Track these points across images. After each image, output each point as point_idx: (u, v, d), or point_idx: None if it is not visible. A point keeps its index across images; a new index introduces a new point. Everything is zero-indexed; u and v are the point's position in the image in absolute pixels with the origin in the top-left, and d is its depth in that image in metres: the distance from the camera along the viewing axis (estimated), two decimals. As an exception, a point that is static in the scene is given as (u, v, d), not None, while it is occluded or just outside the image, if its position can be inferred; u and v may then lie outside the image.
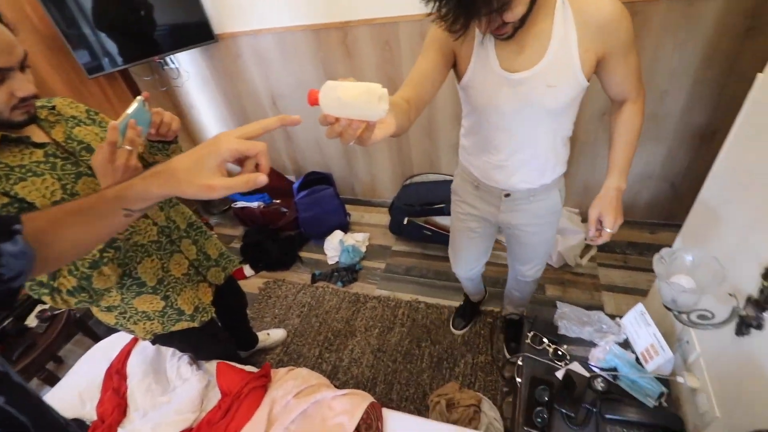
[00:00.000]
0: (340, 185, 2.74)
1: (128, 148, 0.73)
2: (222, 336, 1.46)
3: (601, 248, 2.12)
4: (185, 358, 1.48)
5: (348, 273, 2.27)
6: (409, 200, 2.28)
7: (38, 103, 0.87)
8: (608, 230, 0.98)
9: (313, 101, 0.55)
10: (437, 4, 0.69)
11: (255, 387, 1.28)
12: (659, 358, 1.04)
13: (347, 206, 2.72)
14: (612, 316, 1.27)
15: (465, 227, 1.34)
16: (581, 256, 2.08)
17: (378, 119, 0.56)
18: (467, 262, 1.49)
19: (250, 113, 2.62)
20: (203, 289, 1.23)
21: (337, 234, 2.47)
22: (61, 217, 0.53)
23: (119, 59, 2.15)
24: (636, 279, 1.95)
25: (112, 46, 2.12)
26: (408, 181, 2.42)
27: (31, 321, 1.85)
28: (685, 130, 1.83)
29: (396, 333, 1.94)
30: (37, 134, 0.84)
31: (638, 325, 1.16)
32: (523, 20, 0.76)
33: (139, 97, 0.78)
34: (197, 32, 2.21)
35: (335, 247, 2.40)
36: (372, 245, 2.47)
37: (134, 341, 1.58)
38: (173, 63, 2.44)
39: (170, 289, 1.11)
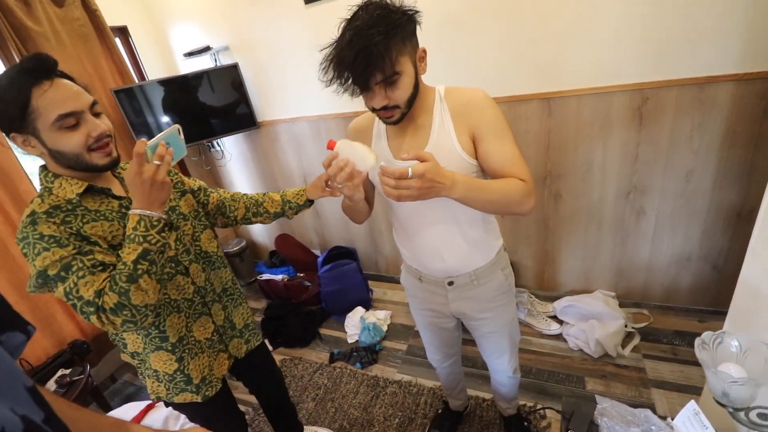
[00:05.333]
0: (364, 261, 2.75)
1: (156, 162, 0.78)
2: (235, 415, 1.36)
3: (645, 337, 1.93)
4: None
5: (368, 353, 2.16)
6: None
7: (123, 165, 1.03)
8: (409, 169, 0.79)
9: (331, 146, 0.88)
10: (338, 79, 0.83)
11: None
12: (724, 470, 0.87)
13: (370, 282, 2.69)
14: (663, 417, 1.11)
15: (423, 321, 1.32)
16: (623, 346, 1.89)
17: (366, 170, 0.88)
18: (433, 353, 1.45)
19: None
20: (221, 359, 1.18)
21: (359, 311, 2.41)
22: None
23: (173, 143, 2.43)
24: (689, 374, 1.72)
25: (168, 132, 2.41)
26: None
27: (50, 386, 1.84)
28: (718, 208, 1.76)
29: (418, 425, 1.76)
30: (117, 188, 0.97)
31: (693, 427, 0.99)
32: (409, 106, 0.90)
33: (175, 126, 0.86)
34: (243, 120, 2.49)
35: (356, 324, 2.33)
36: (394, 324, 2.37)
37: (143, 413, 1.53)
38: (218, 146, 2.72)
39: (186, 351, 1.07)
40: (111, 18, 2.22)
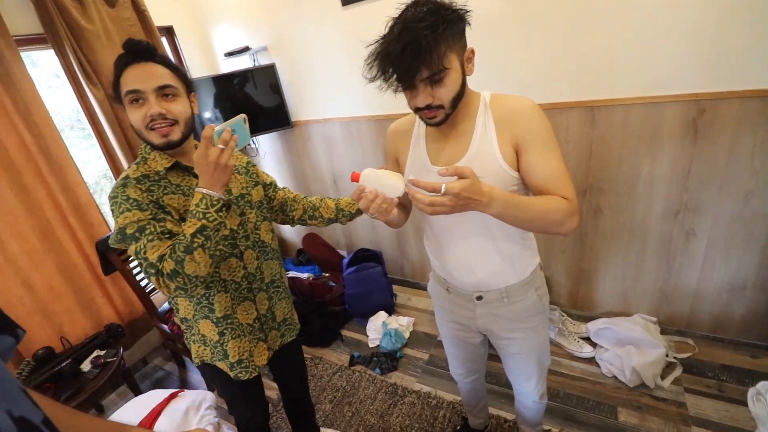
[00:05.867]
0: (389, 264, 2.72)
1: (221, 146, 0.85)
2: (259, 405, 1.39)
3: (688, 370, 1.78)
4: (209, 428, 1.42)
5: (388, 360, 2.13)
6: (458, 287, 2.16)
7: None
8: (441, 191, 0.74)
9: (355, 179, 0.84)
10: (382, 75, 0.82)
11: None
12: None
13: (395, 287, 2.66)
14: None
15: (448, 332, 1.27)
16: (662, 377, 1.75)
17: (397, 196, 0.84)
18: (456, 367, 1.39)
19: (312, 189, 2.81)
20: (260, 348, 1.20)
21: (381, 315, 2.39)
22: None
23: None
24: (735, 415, 1.56)
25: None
26: (459, 267, 2.33)
27: (86, 365, 1.93)
28: (782, 235, 1.59)
29: (433, 439, 1.71)
30: None
31: (741, 482, 0.89)
32: (453, 107, 0.86)
33: (242, 115, 0.91)
34: (278, 119, 2.52)
35: (378, 329, 2.30)
36: (416, 332, 2.33)
37: (167, 401, 1.57)
38: (254, 143, 2.77)
39: (228, 329, 1.12)
40: (158, 18, 2.31)
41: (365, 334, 2.37)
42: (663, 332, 1.93)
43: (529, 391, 1.27)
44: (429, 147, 0.99)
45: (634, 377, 1.73)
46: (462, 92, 0.87)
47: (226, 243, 1.05)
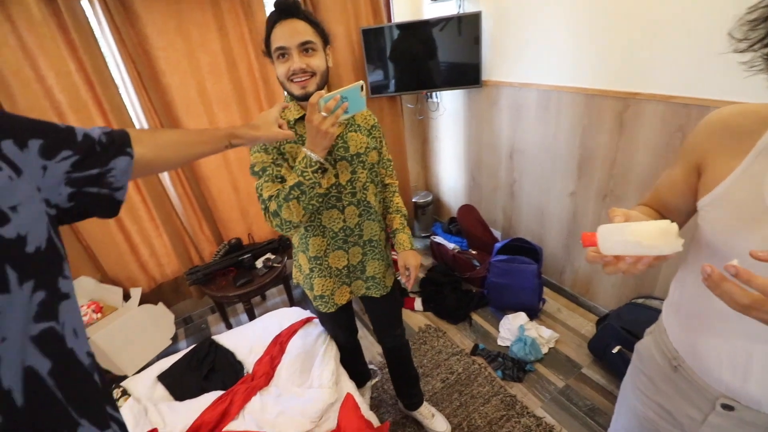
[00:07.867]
0: (547, 264, 2.36)
1: (324, 114, 0.90)
2: (344, 329, 1.56)
3: None
4: (331, 365, 1.53)
5: (514, 367, 1.90)
6: (632, 325, 1.71)
7: None
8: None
9: (590, 243, 0.57)
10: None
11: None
12: None
13: (546, 289, 2.32)
14: None
15: (639, 410, 0.86)
16: None
17: (673, 253, 0.52)
18: None
19: (484, 158, 2.57)
20: (342, 290, 1.33)
21: (521, 317, 2.12)
22: (171, 143, 0.72)
23: (398, 86, 2.48)
24: None
25: (397, 75, 2.46)
26: (641, 301, 1.83)
27: (259, 263, 2.34)
28: None
29: (542, 477, 1.48)
30: None
31: None
32: None
33: (359, 82, 0.93)
34: (467, 76, 2.31)
35: (513, 330, 2.07)
36: (557, 351, 2.00)
37: (303, 322, 1.77)
38: (436, 98, 2.64)
39: (317, 268, 1.26)
40: (377, -45, 2.28)
41: (497, 329, 2.17)
42: None
43: None
44: None
45: None
46: None
47: (325, 198, 1.14)
